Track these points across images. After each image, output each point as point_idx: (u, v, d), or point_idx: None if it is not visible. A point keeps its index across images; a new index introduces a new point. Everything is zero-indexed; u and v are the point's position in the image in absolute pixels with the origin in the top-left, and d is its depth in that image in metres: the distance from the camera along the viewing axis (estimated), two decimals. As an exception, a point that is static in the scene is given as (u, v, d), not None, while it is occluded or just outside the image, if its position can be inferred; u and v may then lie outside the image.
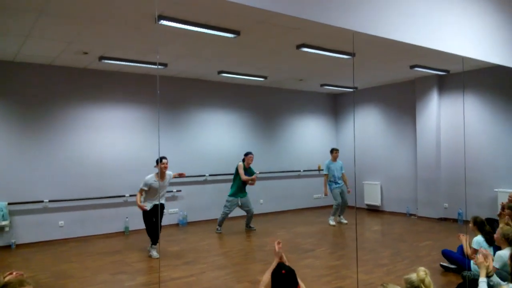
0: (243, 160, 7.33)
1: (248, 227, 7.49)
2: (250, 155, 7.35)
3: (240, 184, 7.23)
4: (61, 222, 6.74)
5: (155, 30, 4.89)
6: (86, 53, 6.02)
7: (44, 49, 5.78)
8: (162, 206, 5.89)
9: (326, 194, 8.00)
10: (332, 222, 7.92)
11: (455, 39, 4.54)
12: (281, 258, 2.88)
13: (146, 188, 5.67)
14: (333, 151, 8.07)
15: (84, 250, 6.10)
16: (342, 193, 7.94)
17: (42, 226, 6.56)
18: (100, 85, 7.18)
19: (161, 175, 5.74)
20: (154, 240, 5.75)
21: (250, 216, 7.41)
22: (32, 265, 5.32)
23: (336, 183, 7.94)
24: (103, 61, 6.36)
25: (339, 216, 8.09)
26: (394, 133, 9.30)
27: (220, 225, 7.29)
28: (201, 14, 4.44)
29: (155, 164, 5.80)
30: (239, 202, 7.27)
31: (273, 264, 2.77)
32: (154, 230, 5.71)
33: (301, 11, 3.17)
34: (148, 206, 5.71)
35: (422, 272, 2.42)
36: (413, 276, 2.44)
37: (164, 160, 5.75)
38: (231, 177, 8.39)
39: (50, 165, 6.67)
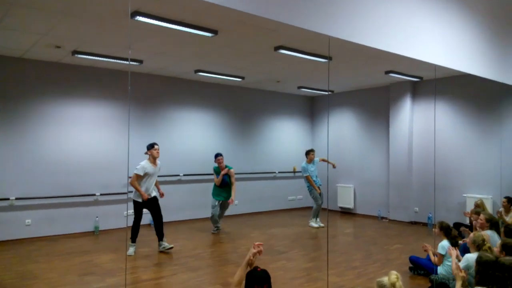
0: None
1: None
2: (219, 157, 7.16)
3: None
4: (28, 221, 6.52)
5: (128, 26, 4.80)
6: (59, 47, 5.84)
7: (15, 41, 5.58)
8: (155, 199, 5.97)
9: (319, 192, 7.88)
10: (315, 225, 7.90)
11: (427, 48, 4.64)
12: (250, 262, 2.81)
13: (141, 174, 5.69)
14: (310, 153, 8.00)
15: (51, 250, 5.92)
16: (320, 194, 7.96)
17: (8, 225, 6.33)
18: (73, 80, 6.99)
19: (154, 160, 5.84)
20: (134, 237, 5.88)
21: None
22: (-5, 265, 5.13)
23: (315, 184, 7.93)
24: (76, 55, 6.19)
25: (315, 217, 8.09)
26: (368, 137, 9.45)
27: None
28: (179, 12, 4.38)
29: (145, 150, 5.88)
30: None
31: (244, 262, 2.76)
32: (138, 227, 5.87)
33: (277, 15, 3.17)
34: (139, 198, 5.77)
35: (393, 276, 2.45)
36: (385, 280, 2.46)
37: (156, 146, 5.85)
38: (206, 177, 8.35)
39: (18, 161, 6.44)
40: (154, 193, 5.96)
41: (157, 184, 6.09)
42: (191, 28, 4.79)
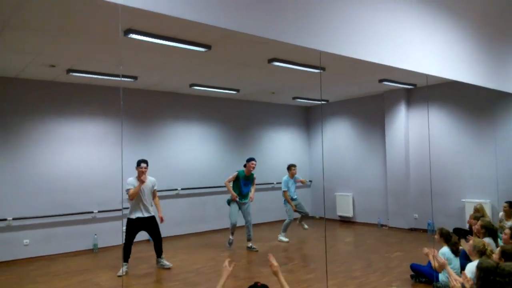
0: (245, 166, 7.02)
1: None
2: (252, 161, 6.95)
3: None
4: (26, 241, 6.47)
5: (120, 43, 4.84)
6: (53, 66, 5.87)
7: (9, 61, 5.60)
8: (153, 218, 5.84)
9: (295, 210, 7.62)
10: (284, 239, 7.64)
11: (418, 58, 4.69)
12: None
13: (131, 187, 5.59)
14: (291, 168, 7.80)
15: (50, 270, 5.87)
16: (299, 206, 7.75)
17: (6, 245, 6.27)
18: (68, 98, 7.00)
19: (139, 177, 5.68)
20: (126, 257, 5.69)
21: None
22: (-7, 287, 5.08)
23: (292, 199, 7.68)
24: (71, 73, 6.21)
25: (300, 222, 7.93)
26: (364, 145, 9.47)
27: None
28: (171, 28, 4.42)
29: (136, 165, 5.75)
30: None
31: (221, 280, 2.80)
32: (130, 246, 5.69)
33: (268, 32, 3.21)
34: (133, 215, 5.67)
35: None
36: None
37: (142, 164, 5.67)
38: (204, 190, 8.31)
39: (14, 180, 6.42)
40: (152, 213, 5.83)
41: (158, 206, 5.99)
42: (184, 44, 4.83)
